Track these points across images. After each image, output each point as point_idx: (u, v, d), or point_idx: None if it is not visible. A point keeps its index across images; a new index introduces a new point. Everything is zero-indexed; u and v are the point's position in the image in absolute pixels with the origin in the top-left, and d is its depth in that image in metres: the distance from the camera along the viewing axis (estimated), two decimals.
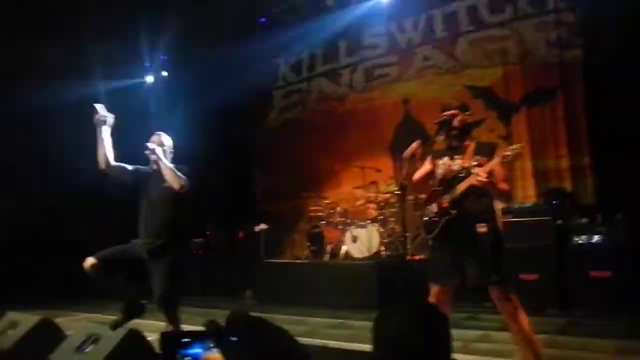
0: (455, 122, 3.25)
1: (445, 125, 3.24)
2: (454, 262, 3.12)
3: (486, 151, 3.18)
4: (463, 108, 3.32)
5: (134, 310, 3.69)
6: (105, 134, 3.73)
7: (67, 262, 8.76)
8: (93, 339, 3.38)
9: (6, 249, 7.87)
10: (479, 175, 2.97)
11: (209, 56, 9.54)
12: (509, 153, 2.93)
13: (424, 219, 3.35)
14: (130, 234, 3.90)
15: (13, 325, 4.11)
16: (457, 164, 3.22)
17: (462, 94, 7.93)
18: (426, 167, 3.44)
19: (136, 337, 3.35)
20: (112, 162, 3.83)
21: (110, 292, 3.75)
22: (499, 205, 4.03)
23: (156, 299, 3.71)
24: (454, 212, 3.12)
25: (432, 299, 3.12)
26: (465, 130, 3.30)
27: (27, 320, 4.09)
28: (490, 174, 2.98)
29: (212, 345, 0.79)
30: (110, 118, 3.72)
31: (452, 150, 3.30)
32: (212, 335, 0.75)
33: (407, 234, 6.88)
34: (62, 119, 7.87)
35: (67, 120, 7.41)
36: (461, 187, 3.11)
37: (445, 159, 3.29)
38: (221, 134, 9.83)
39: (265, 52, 10.16)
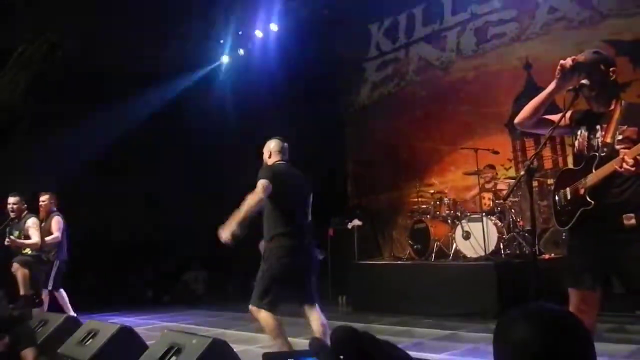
0: (584, 81, 2.93)
1: (585, 91, 3.02)
2: (597, 262, 2.93)
3: (638, 117, 2.90)
4: (609, 61, 3.02)
5: None
6: None
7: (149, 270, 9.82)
8: (175, 350, 3.65)
9: (89, 258, 8.75)
10: (625, 161, 2.71)
11: (289, 27, 9.79)
12: None
13: (557, 207, 3.18)
14: None
15: (92, 334, 4.53)
16: (597, 137, 2.99)
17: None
18: (554, 117, 3.14)
19: (221, 347, 3.57)
20: None
21: None
22: None
23: None
24: (592, 203, 2.92)
25: (571, 307, 2.96)
26: (611, 90, 3.02)
27: (106, 328, 4.49)
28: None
29: None
30: None
31: (593, 118, 3.05)
32: (317, 354, 0.81)
33: (528, 228, 6.70)
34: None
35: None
36: (600, 173, 2.88)
37: (583, 130, 3.06)
38: (305, 115, 10.05)
39: (354, 16, 10.24)
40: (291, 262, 4.17)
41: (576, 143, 3.11)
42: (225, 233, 3.99)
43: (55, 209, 7.23)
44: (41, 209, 7.17)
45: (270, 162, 4.40)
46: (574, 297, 3.02)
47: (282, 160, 4.40)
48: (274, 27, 10.24)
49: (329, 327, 6.31)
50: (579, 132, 3.10)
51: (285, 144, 4.48)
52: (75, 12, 8.12)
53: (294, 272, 4.20)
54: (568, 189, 3.07)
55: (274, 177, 4.12)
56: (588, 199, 2.93)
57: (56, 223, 7.06)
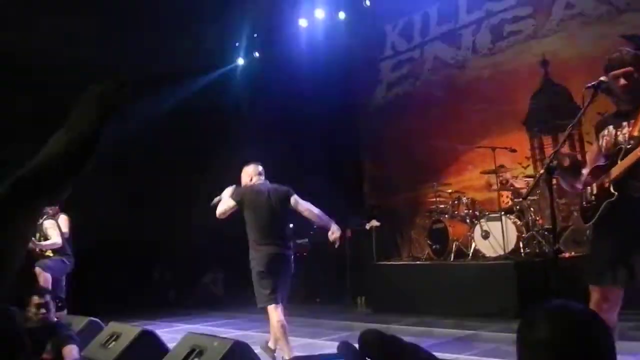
0: (621, 81, 2.96)
1: (604, 88, 3.01)
2: (620, 258, 2.91)
3: None
4: (637, 60, 3.02)
5: None
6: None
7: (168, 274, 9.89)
8: (197, 352, 3.69)
9: (110, 261, 8.83)
10: None
11: (302, 29, 9.84)
12: None
13: (582, 203, 3.17)
14: None
15: (115, 337, 4.60)
16: (624, 133, 2.99)
17: (619, 46, 7.42)
18: (593, 149, 3.21)
19: (242, 349, 3.61)
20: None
21: None
22: None
23: None
24: (615, 194, 2.90)
25: (592, 305, 2.95)
26: (638, 91, 3.02)
27: (129, 331, 4.56)
28: None
29: None
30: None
31: (620, 117, 3.06)
32: (346, 357, 0.83)
33: (547, 226, 6.66)
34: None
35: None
36: (624, 163, 2.88)
37: (610, 128, 3.08)
38: (322, 117, 10.07)
39: (369, 16, 10.24)
40: (265, 267, 4.68)
41: (603, 142, 3.11)
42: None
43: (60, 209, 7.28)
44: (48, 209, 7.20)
45: (250, 183, 5.04)
46: (595, 294, 3.00)
47: (258, 181, 5.04)
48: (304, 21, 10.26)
49: (349, 328, 6.35)
50: (605, 132, 3.11)
51: (261, 167, 5.13)
52: (86, 12, 8.23)
53: (268, 275, 4.68)
54: (594, 184, 3.07)
55: (243, 197, 4.86)
56: (612, 190, 2.93)
57: (64, 221, 7.12)
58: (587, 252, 3.43)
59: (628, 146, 2.92)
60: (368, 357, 0.86)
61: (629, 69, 2.97)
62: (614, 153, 2.98)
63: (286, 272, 4.81)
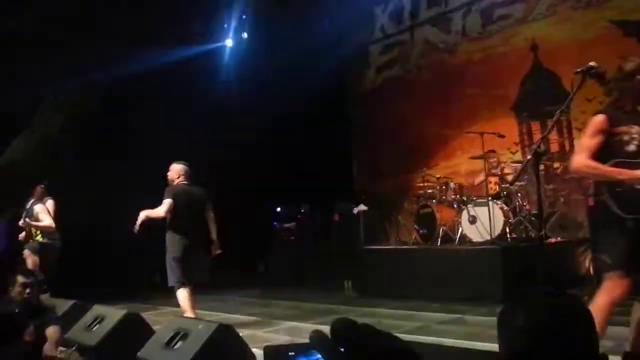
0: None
1: (593, 73, 3.08)
2: None
3: None
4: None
5: None
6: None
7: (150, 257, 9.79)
8: (182, 334, 3.68)
9: (92, 242, 8.75)
10: None
11: (292, 12, 9.73)
12: None
13: (618, 189, 3.16)
14: None
15: (99, 319, 4.57)
16: None
17: (608, 31, 7.46)
18: (596, 141, 3.20)
19: (227, 331, 3.60)
20: None
21: None
22: None
23: None
24: None
25: (608, 292, 3.08)
26: None
27: (113, 314, 4.54)
28: None
29: (318, 358, 0.87)
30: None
31: (634, 115, 3.18)
32: (318, 347, 0.82)
33: (534, 212, 6.70)
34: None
35: None
36: None
37: (636, 127, 3.14)
38: (311, 101, 10.01)
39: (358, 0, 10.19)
40: (181, 255, 5.53)
41: (636, 141, 3.17)
42: (139, 219, 5.40)
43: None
44: (34, 195, 7.16)
45: (175, 182, 5.73)
46: (613, 281, 3.12)
47: (184, 181, 5.74)
48: None
49: (335, 312, 6.37)
50: (633, 130, 3.16)
51: (188, 168, 5.82)
52: None
53: (182, 261, 5.53)
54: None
55: (175, 196, 5.55)
56: None
57: (51, 205, 7.08)
58: (571, 238, 3.50)
59: None
60: (340, 347, 0.85)
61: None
62: None
63: (195, 260, 5.64)
